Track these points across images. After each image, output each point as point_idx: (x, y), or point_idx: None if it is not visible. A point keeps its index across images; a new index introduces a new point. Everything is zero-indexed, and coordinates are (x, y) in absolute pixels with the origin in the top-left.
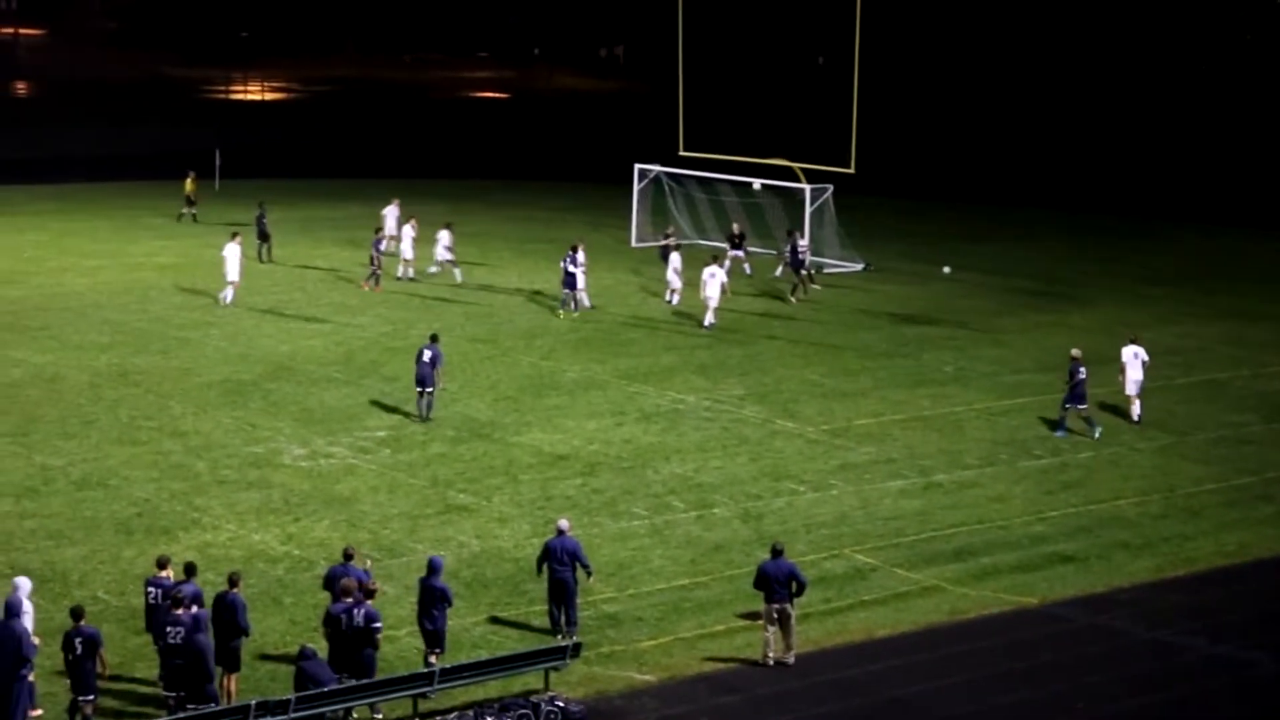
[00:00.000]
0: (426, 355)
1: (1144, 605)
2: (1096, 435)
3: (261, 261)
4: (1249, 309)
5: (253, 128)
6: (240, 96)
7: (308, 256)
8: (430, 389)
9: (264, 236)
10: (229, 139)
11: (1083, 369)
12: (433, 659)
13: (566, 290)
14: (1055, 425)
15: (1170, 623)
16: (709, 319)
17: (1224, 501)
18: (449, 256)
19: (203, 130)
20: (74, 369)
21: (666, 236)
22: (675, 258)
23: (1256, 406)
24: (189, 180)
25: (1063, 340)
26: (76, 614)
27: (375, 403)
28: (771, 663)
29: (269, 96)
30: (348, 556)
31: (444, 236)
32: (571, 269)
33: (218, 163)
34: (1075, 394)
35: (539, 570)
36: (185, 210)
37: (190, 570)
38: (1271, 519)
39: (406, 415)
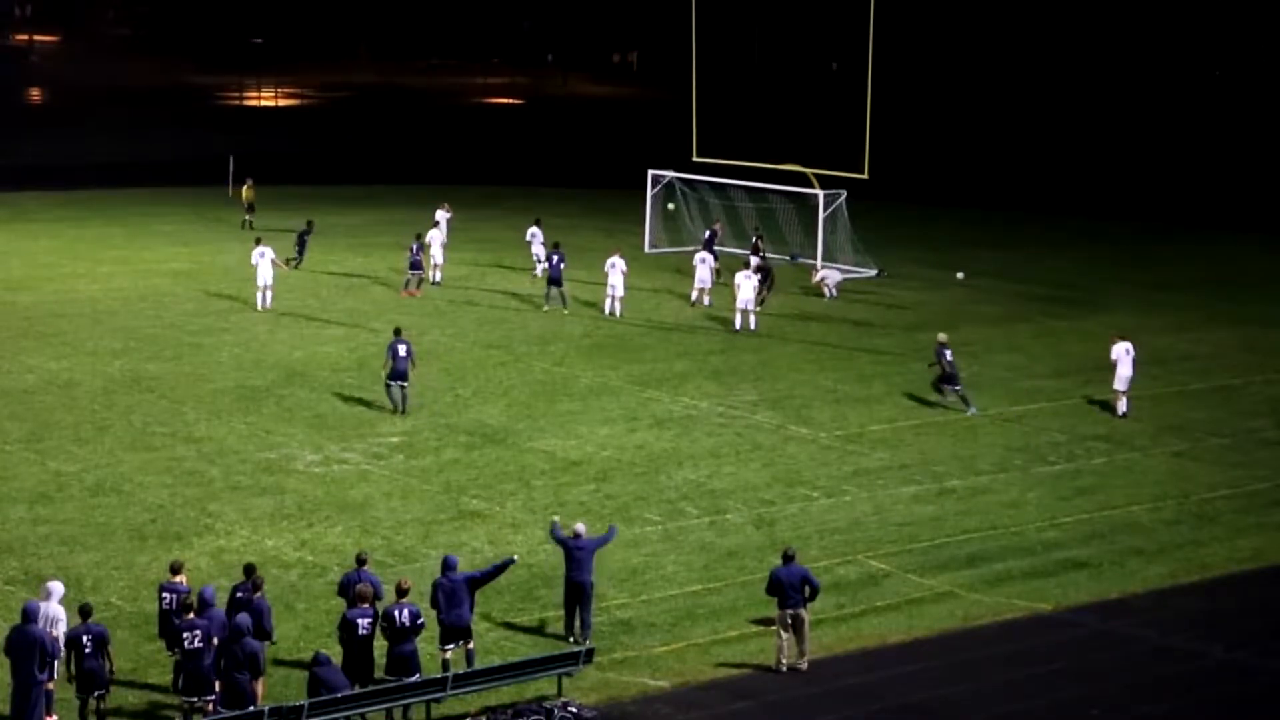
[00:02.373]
0: (402, 350)
1: (1157, 611)
2: (972, 411)
3: (275, 265)
4: (1263, 314)
5: (266, 134)
6: (254, 103)
7: (321, 263)
8: (406, 383)
9: (300, 248)
10: (243, 145)
11: (948, 351)
12: (471, 648)
13: (552, 288)
14: (966, 404)
15: (1184, 629)
16: (740, 322)
17: (1238, 507)
18: (543, 253)
19: (217, 136)
20: (87, 375)
21: (711, 232)
22: (709, 258)
23: (1271, 411)
24: (246, 187)
25: (1077, 346)
26: (85, 612)
27: (388, 409)
28: (785, 669)
29: (283, 103)
30: (360, 562)
31: (537, 234)
32: (554, 258)
33: (231, 169)
34: (948, 376)
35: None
36: (248, 217)
37: (249, 571)
38: None
39: (418, 419)
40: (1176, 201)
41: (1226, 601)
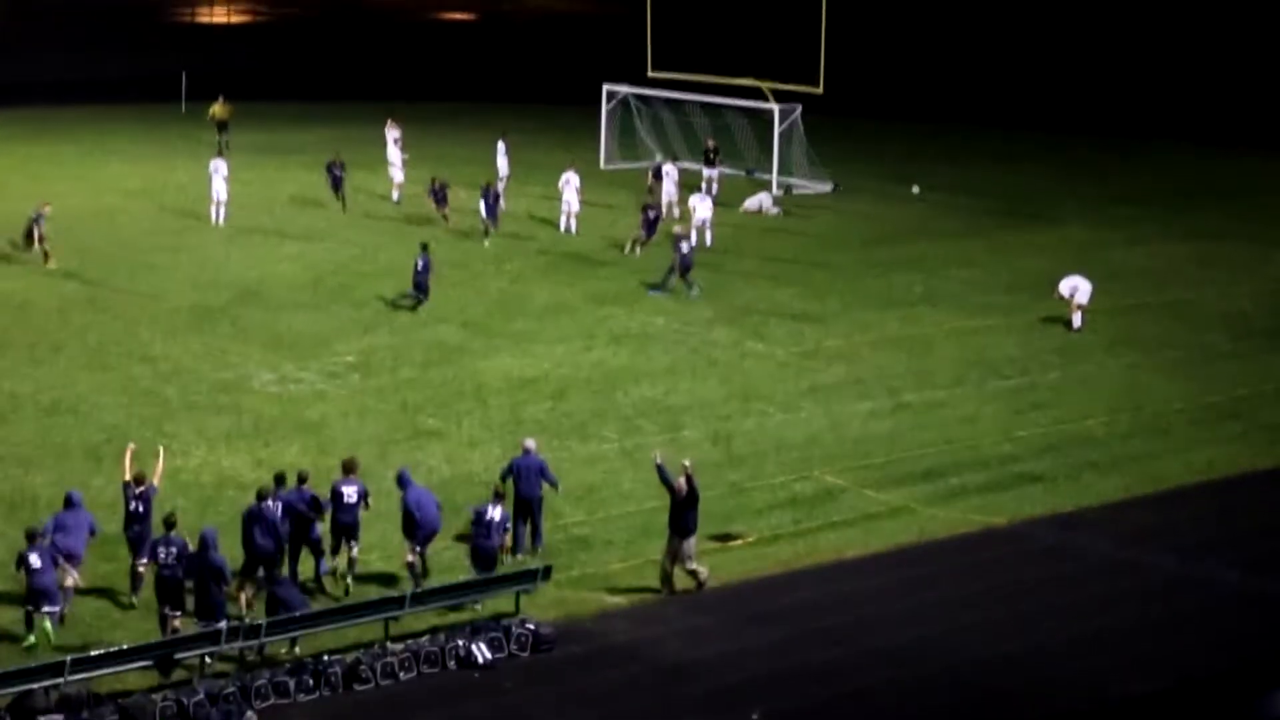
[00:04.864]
0: (420, 264)
1: (1112, 524)
2: (694, 294)
3: (345, 210)
4: (1217, 228)
5: (219, 51)
6: (206, 19)
7: (275, 180)
8: (423, 297)
9: (336, 185)
10: (196, 62)
11: (684, 243)
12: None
13: (486, 218)
14: (656, 287)
15: (1138, 541)
16: (695, 239)
17: (1192, 420)
18: (506, 170)
19: (169, 53)
20: (42, 295)
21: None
22: (674, 171)
23: (1224, 325)
24: (218, 104)
25: (1032, 261)
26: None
27: (344, 327)
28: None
29: (235, 19)
30: (301, 480)
31: (502, 148)
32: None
33: (184, 87)
34: (684, 265)
35: (502, 479)
36: (220, 138)
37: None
38: (1239, 437)
39: (375, 338)
40: (1132, 113)
41: (1180, 514)
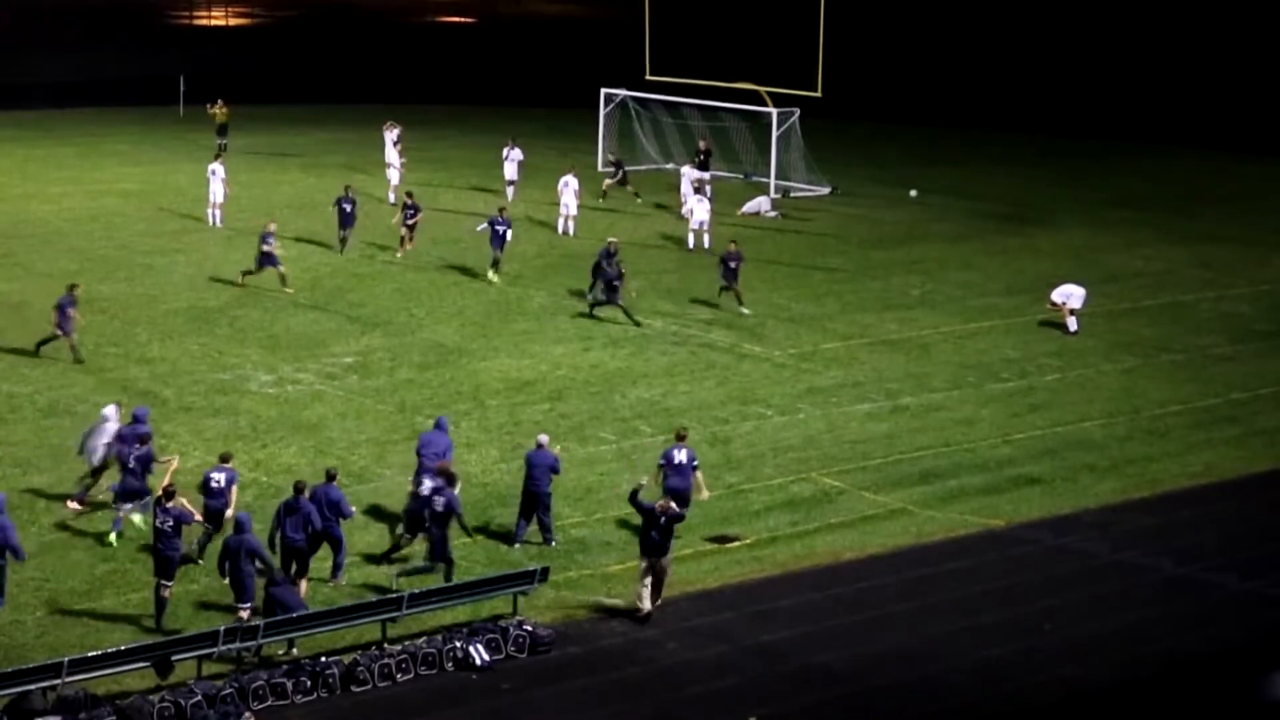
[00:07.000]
0: (605, 263)
1: (1109, 527)
2: (594, 298)
3: (341, 251)
4: (1215, 231)
5: (217, 54)
6: (204, 22)
7: (274, 183)
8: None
9: (345, 221)
10: (193, 65)
11: (603, 260)
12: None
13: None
14: (592, 307)
15: (1135, 544)
16: (694, 241)
17: (1189, 423)
18: (514, 175)
19: (167, 56)
20: (39, 296)
21: (616, 163)
22: (690, 173)
23: (1222, 328)
24: (217, 107)
25: (1030, 264)
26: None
27: (342, 329)
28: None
29: (234, 22)
30: (330, 477)
31: (513, 153)
32: (499, 228)
33: (182, 89)
34: (611, 289)
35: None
36: (219, 141)
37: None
38: (1236, 440)
39: (372, 339)
40: (1130, 118)
41: (1177, 517)
